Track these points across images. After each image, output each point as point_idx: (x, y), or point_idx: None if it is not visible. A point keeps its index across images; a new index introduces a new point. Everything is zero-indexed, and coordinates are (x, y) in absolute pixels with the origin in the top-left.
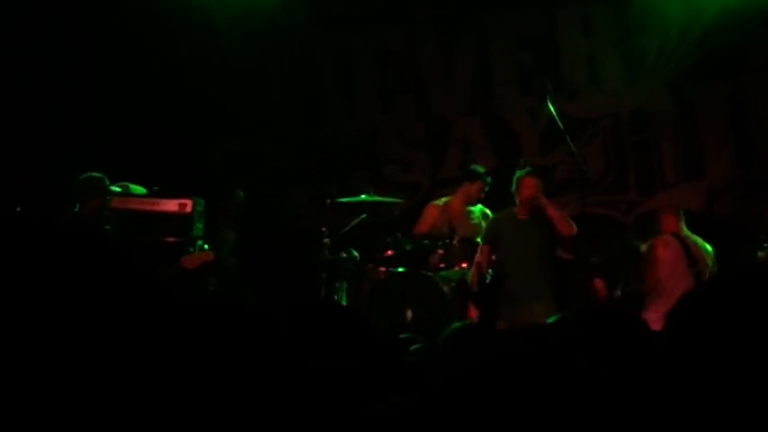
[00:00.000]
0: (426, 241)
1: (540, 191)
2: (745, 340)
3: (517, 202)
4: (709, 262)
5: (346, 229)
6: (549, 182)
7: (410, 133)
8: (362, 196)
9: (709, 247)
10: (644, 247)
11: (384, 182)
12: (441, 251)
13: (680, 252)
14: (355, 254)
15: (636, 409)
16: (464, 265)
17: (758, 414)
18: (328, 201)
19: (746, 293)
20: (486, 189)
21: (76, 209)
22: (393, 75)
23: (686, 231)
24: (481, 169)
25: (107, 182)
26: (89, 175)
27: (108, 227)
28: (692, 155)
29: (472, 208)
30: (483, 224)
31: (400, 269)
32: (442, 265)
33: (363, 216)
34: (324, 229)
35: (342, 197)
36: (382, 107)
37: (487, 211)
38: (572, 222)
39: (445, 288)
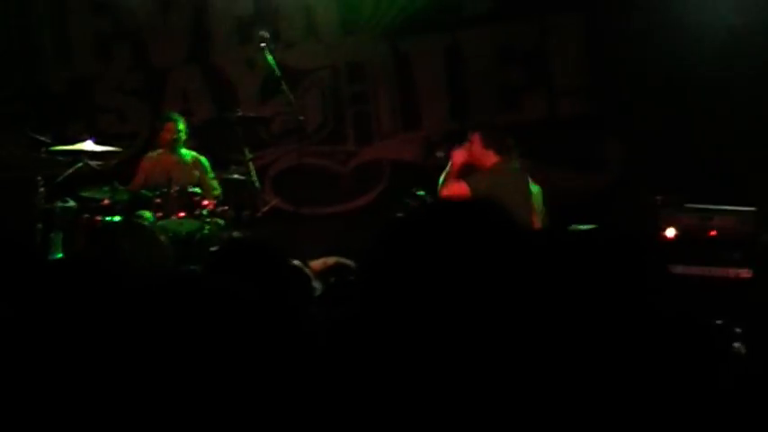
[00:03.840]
0: (144, 191)
1: None
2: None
3: None
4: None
5: (61, 178)
6: (267, 132)
7: (127, 82)
8: (78, 145)
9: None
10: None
11: (101, 131)
12: (159, 200)
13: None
14: (71, 203)
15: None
16: (182, 214)
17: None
18: (43, 149)
19: (422, 230)
20: (181, 131)
21: None
22: (109, 22)
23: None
24: (172, 114)
25: None
26: None
27: None
28: (409, 106)
29: (185, 156)
30: (196, 173)
31: (117, 218)
32: (160, 215)
33: (80, 165)
34: (39, 178)
35: (58, 145)
36: (98, 55)
37: (201, 159)
38: None
39: (162, 237)
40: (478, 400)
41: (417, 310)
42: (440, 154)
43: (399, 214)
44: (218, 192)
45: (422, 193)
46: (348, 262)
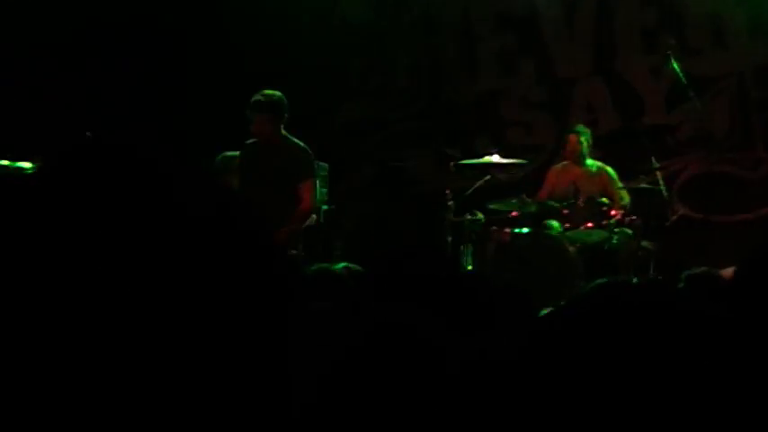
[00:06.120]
0: (551, 202)
1: None
2: None
3: None
4: None
5: (470, 191)
6: (674, 141)
7: (532, 96)
8: (486, 158)
9: None
10: None
11: (508, 144)
12: (567, 211)
13: None
14: (480, 216)
15: None
16: (590, 225)
17: None
18: (452, 164)
19: None
20: (582, 144)
21: None
22: (514, 37)
23: None
24: (576, 127)
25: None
26: (226, 155)
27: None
28: None
29: (591, 167)
30: (603, 184)
31: (525, 230)
32: (567, 226)
33: (487, 178)
34: (448, 191)
35: (465, 160)
36: (504, 70)
37: (608, 169)
38: None
39: (571, 249)
40: None
41: None
42: None
43: None
44: (626, 201)
45: None
46: None
